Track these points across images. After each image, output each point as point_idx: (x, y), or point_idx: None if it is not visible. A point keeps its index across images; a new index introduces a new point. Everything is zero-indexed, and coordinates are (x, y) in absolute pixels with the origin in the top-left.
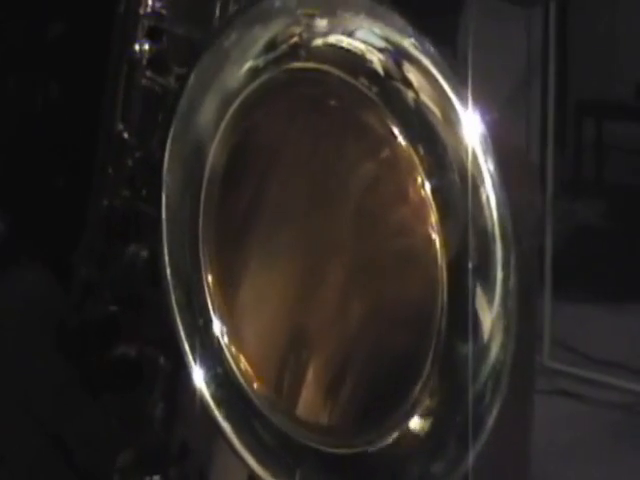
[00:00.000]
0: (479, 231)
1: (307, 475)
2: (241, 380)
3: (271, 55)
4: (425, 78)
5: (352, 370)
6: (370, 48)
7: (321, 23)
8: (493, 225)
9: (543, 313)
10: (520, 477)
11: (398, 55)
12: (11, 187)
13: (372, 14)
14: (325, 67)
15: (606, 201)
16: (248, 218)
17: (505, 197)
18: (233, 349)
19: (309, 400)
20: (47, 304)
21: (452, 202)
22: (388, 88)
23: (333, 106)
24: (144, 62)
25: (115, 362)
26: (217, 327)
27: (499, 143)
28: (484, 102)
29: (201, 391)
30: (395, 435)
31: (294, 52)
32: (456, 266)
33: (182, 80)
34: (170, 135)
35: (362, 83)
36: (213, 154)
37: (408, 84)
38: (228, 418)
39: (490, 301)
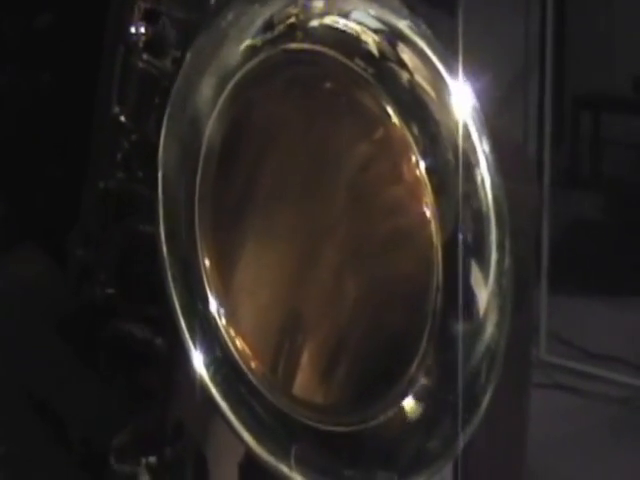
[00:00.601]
0: (474, 212)
1: (304, 453)
2: (238, 359)
3: (268, 35)
4: (420, 59)
5: (348, 349)
6: (365, 29)
7: (317, 4)
8: (488, 207)
9: (539, 306)
10: (517, 470)
11: (393, 36)
12: (8, 171)
13: None
14: (321, 48)
15: (603, 194)
16: (244, 198)
17: (500, 180)
18: (230, 329)
19: (306, 379)
20: (44, 287)
21: (447, 182)
22: (383, 69)
23: (328, 86)
24: (140, 45)
25: (112, 343)
26: (214, 308)
27: (495, 134)
28: (479, 85)
29: (200, 371)
30: (391, 413)
31: (291, 32)
32: (451, 245)
33: (179, 59)
34: (167, 113)
35: (357, 64)
36: (209, 134)
37: (403, 65)
38: (226, 397)
39: (485, 279)
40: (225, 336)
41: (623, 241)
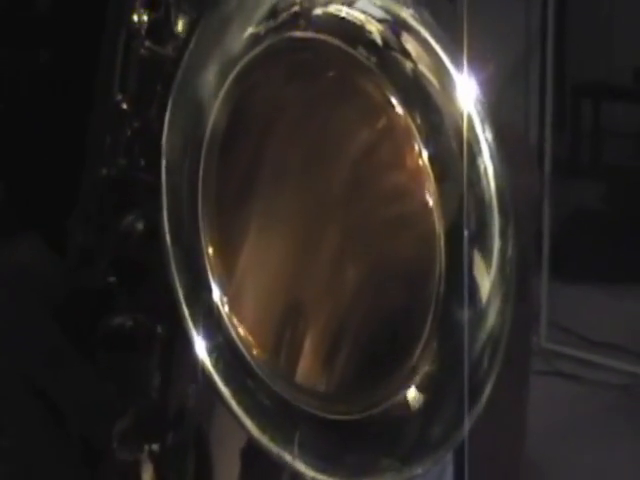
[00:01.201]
0: (476, 200)
1: (306, 440)
2: (241, 347)
3: (272, 23)
4: (423, 48)
5: (351, 336)
6: (369, 18)
7: None
8: (490, 195)
9: (540, 295)
10: (516, 457)
11: (397, 26)
12: (8, 156)
13: None
14: (325, 36)
15: (604, 183)
16: (247, 186)
17: (503, 169)
18: (233, 316)
19: (308, 366)
20: (43, 272)
21: (449, 170)
22: (387, 58)
23: (332, 75)
24: (143, 32)
25: (112, 330)
26: (217, 295)
27: (496, 123)
28: (482, 74)
29: (202, 358)
30: (394, 400)
31: (295, 20)
32: (454, 233)
33: (183, 45)
34: (171, 100)
35: (360, 53)
36: (213, 121)
37: (406, 54)
38: (228, 384)
39: (488, 267)
40: (228, 323)
41: (623, 229)
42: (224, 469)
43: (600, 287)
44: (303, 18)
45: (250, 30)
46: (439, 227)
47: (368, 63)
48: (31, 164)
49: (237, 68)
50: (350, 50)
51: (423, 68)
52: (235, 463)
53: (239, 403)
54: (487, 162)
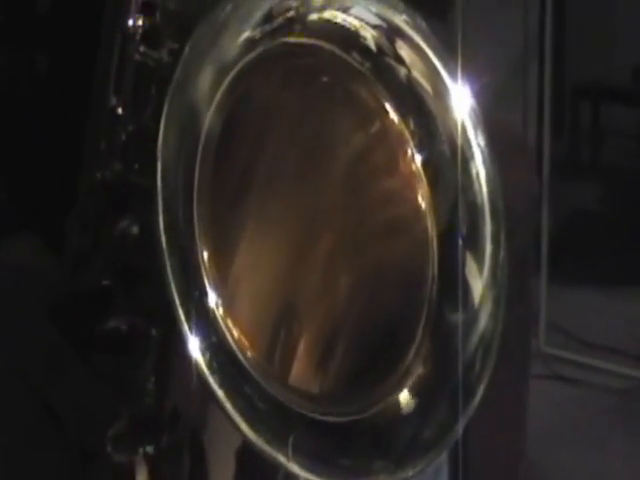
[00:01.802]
0: (468, 204)
1: (300, 441)
2: (235, 348)
3: (267, 27)
4: (417, 54)
5: (344, 339)
6: (364, 25)
7: None
8: (482, 199)
9: (539, 297)
10: (515, 460)
11: (391, 32)
12: (4, 159)
13: None
14: (319, 42)
15: (602, 184)
16: (241, 189)
17: (495, 173)
18: (228, 319)
19: (302, 368)
20: (40, 273)
21: (442, 175)
22: (380, 64)
23: (325, 80)
24: (137, 37)
25: (107, 333)
26: (212, 297)
27: (494, 125)
28: (477, 80)
29: (196, 359)
30: (387, 402)
31: (290, 25)
32: (447, 237)
33: (178, 50)
34: (166, 104)
35: (355, 58)
36: (208, 125)
37: (400, 60)
38: (222, 386)
39: (480, 270)
40: (222, 326)
41: (622, 231)
42: (219, 471)
43: (599, 289)
44: (298, 23)
45: (245, 35)
46: (432, 231)
47: (362, 69)
48: (26, 167)
49: (232, 73)
50: (344, 56)
51: (417, 74)
52: (230, 465)
53: (233, 405)
54: (479, 167)
